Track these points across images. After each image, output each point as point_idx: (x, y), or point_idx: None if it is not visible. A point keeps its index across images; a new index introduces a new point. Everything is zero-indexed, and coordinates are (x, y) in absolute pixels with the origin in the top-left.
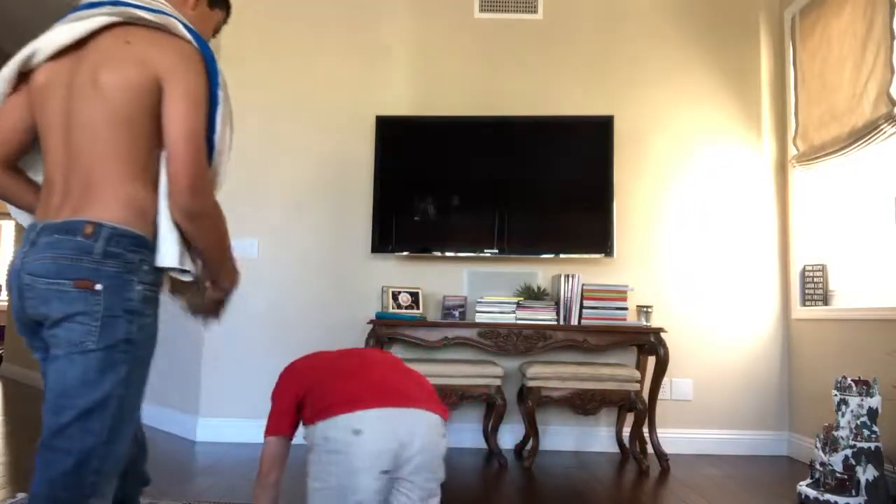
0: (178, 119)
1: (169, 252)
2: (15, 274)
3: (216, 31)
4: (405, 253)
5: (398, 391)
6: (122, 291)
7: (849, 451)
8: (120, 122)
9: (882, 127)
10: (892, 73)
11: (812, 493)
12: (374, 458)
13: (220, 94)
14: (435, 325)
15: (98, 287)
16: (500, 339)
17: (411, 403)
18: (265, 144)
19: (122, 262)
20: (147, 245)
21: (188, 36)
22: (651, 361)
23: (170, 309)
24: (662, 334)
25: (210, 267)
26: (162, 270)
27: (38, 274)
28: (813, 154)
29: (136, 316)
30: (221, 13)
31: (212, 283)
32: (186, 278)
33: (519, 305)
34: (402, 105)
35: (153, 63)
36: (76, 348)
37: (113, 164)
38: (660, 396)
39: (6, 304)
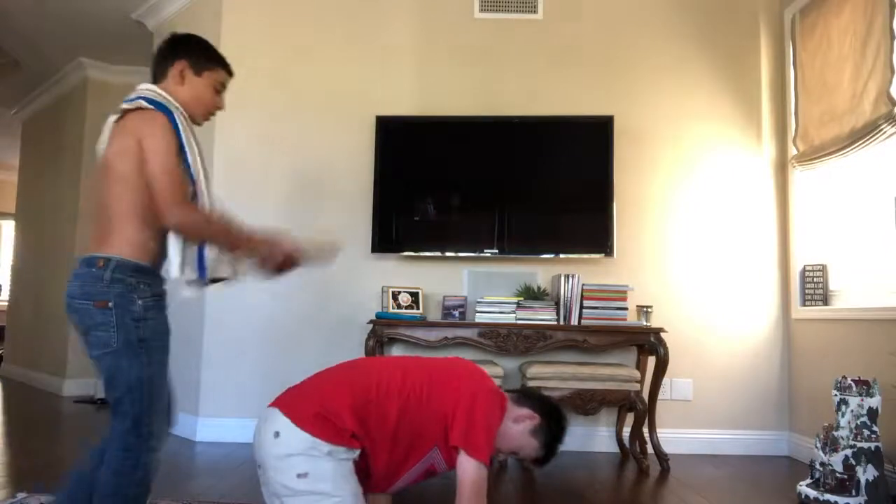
0: (152, 161)
1: (171, 269)
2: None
3: (219, 88)
4: (405, 253)
5: (287, 392)
6: (128, 305)
7: (849, 451)
8: (119, 179)
9: (882, 127)
10: (892, 73)
11: (812, 493)
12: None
13: (184, 139)
14: (435, 325)
15: (111, 304)
16: (500, 339)
17: (274, 403)
18: (265, 144)
19: (124, 285)
20: (144, 270)
21: (150, 106)
22: (651, 361)
23: (168, 311)
24: (662, 334)
25: (226, 251)
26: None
27: (71, 295)
28: (813, 154)
29: (141, 321)
30: (213, 73)
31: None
32: (191, 284)
33: (519, 305)
34: (402, 105)
35: (135, 131)
36: (106, 349)
37: (119, 213)
38: (660, 396)
39: (6, 304)
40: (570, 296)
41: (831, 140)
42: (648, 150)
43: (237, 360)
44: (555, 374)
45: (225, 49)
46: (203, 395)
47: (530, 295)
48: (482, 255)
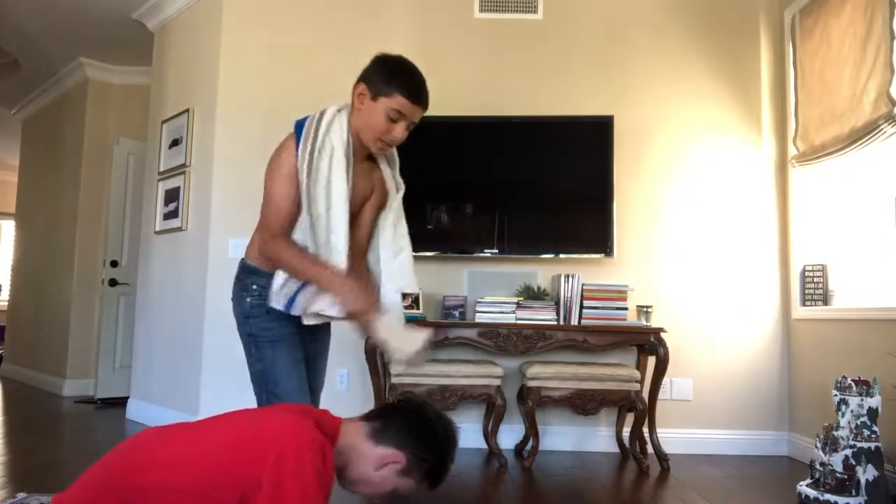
0: (265, 185)
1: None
2: None
3: (394, 116)
4: None
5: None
6: (240, 302)
7: (849, 451)
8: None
9: (882, 127)
10: (892, 73)
11: (812, 493)
12: None
13: (300, 164)
14: (435, 325)
15: (232, 299)
16: (500, 339)
17: None
18: (265, 146)
19: (241, 285)
20: (257, 273)
21: (293, 130)
22: (651, 361)
23: (168, 311)
24: (662, 334)
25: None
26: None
27: None
28: (813, 154)
29: (251, 318)
30: (389, 99)
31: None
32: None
33: (519, 305)
34: None
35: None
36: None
37: (258, 222)
38: (660, 396)
39: (6, 304)
40: (570, 296)
41: (831, 140)
42: (648, 150)
43: (237, 360)
44: (555, 374)
45: (225, 49)
46: (203, 395)
47: (530, 295)
48: (482, 255)
